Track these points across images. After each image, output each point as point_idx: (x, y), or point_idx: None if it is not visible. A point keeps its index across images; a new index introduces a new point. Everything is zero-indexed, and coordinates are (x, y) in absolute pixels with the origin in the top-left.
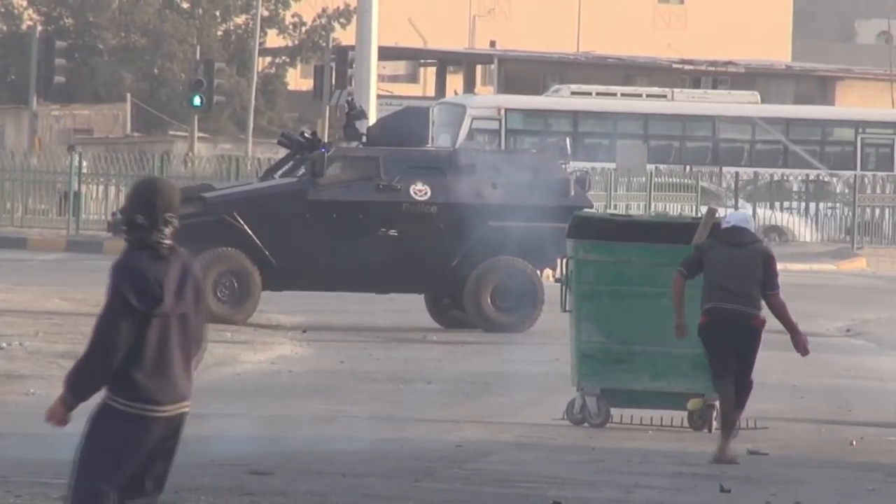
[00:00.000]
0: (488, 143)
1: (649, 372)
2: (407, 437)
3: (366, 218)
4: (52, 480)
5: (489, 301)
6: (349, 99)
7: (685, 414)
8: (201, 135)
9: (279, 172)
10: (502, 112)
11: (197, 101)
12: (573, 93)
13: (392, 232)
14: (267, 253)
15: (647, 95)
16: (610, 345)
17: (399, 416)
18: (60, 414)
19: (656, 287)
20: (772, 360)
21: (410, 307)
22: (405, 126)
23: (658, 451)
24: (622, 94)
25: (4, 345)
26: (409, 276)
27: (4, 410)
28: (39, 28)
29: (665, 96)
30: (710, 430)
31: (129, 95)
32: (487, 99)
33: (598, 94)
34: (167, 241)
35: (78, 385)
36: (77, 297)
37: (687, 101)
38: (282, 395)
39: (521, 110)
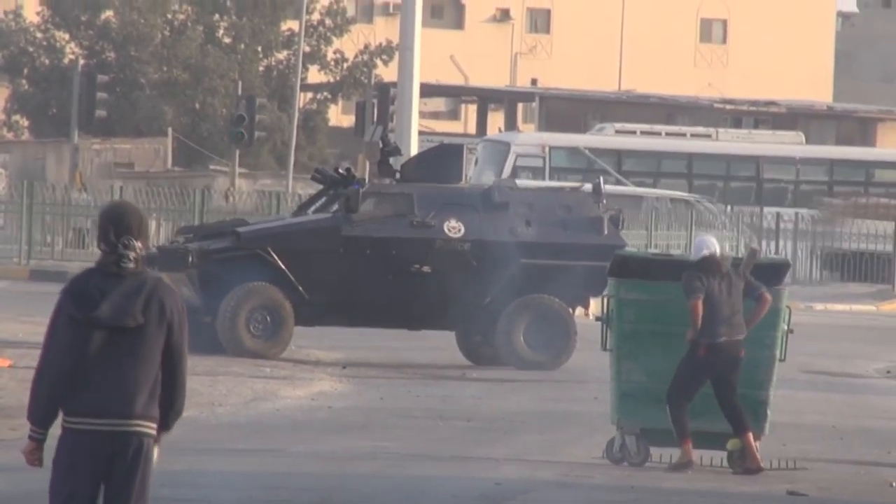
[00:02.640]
0: (532, 180)
1: (688, 411)
2: (446, 475)
3: (399, 254)
4: None
5: (521, 339)
6: (384, 135)
7: (724, 454)
8: (242, 170)
9: (312, 208)
10: (546, 150)
11: (238, 136)
12: (617, 131)
13: (425, 268)
14: (300, 288)
15: (692, 135)
16: (650, 384)
17: (438, 454)
18: (27, 448)
19: None
20: (811, 402)
21: (447, 344)
22: (439, 162)
23: (697, 490)
24: (666, 134)
25: None
26: (441, 312)
27: None
28: (81, 62)
29: (710, 136)
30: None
31: (170, 130)
32: (532, 136)
33: (642, 132)
34: (130, 265)
35: (32, 409)
36: None
37: (731, 141)
38: (321, 430)
39: (565, 148)
